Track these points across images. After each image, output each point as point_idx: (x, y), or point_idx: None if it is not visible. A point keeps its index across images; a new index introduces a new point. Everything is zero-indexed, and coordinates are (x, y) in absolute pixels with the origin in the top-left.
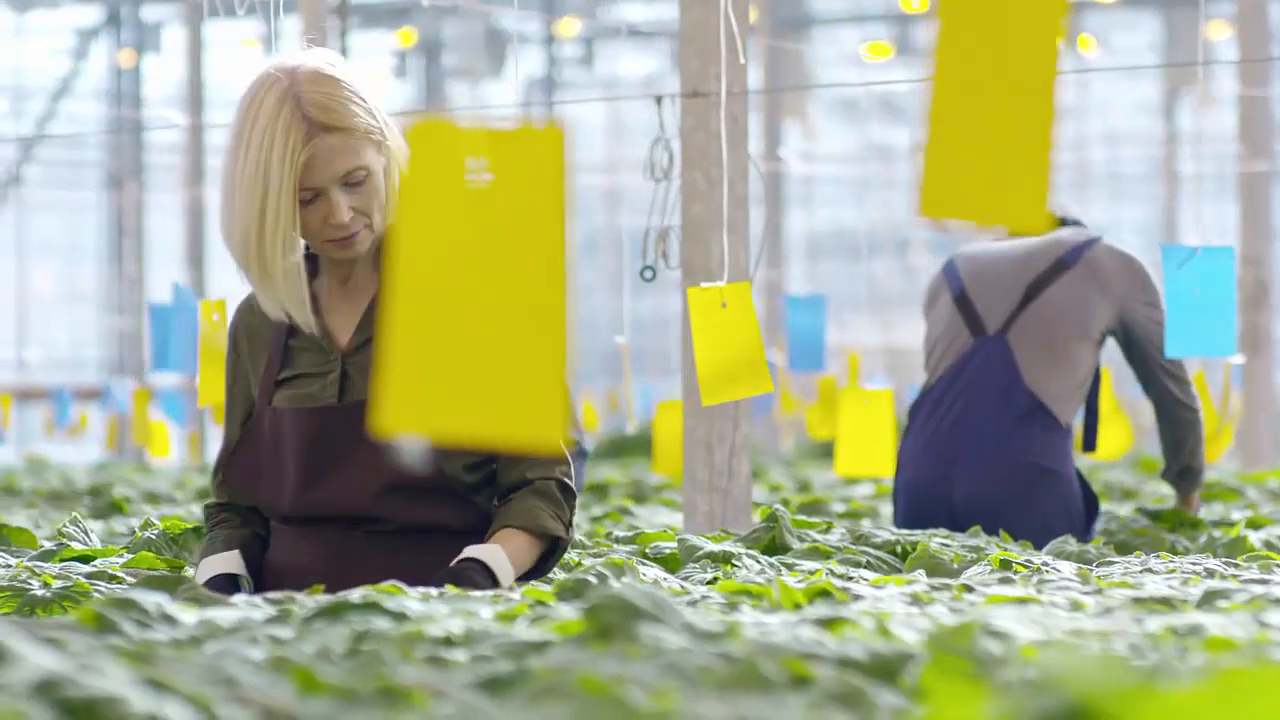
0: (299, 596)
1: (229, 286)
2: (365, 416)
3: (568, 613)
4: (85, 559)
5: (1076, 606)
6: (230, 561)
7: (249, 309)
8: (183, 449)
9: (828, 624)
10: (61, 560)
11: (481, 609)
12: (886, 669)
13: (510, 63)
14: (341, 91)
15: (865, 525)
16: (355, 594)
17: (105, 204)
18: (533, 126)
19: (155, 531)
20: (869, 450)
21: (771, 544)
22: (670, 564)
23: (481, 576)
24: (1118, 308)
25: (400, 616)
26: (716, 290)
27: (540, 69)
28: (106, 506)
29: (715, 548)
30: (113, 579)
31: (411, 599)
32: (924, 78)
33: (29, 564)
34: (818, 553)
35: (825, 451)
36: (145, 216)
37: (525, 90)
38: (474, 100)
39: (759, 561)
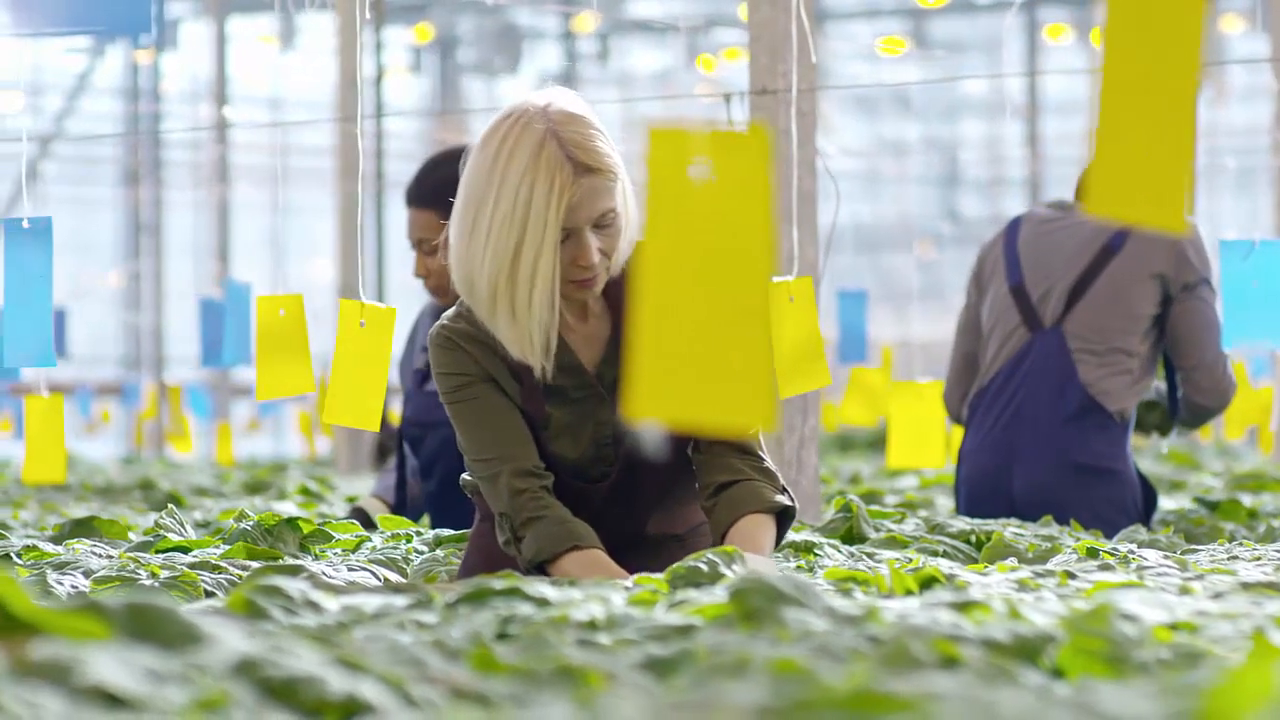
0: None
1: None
2: (640, 454)
3: (707, 598)
4: (183, 550)
5: (1185, 591)
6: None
7: (462, 344)
8: (208, 443)
9: (961, 608)
10: (158, 551)
11: (614, 594)
12: (1028, 650)
13: (526, 58)
14: (594, 131)
15: (938, 515)
16: (497, 580)
17: (123, 200)
18: (740, 129)
19: (249, 523)
20: (921, 442)
21: (849, 533)
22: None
23: None
24: (1161, 290)
25: (543, 602)
26: (785, 285)
27: (555, 64)
28: (163, 500)
29: (797, 537)
30: (216, 569)
31: (545, 585)
32: (1096, 71)
33: (131, 555)
34: (895, 542)
35: (845, 443)
36: (163, 213)
37: (540, 86)
38: (489, 97)
39: (840, 551)
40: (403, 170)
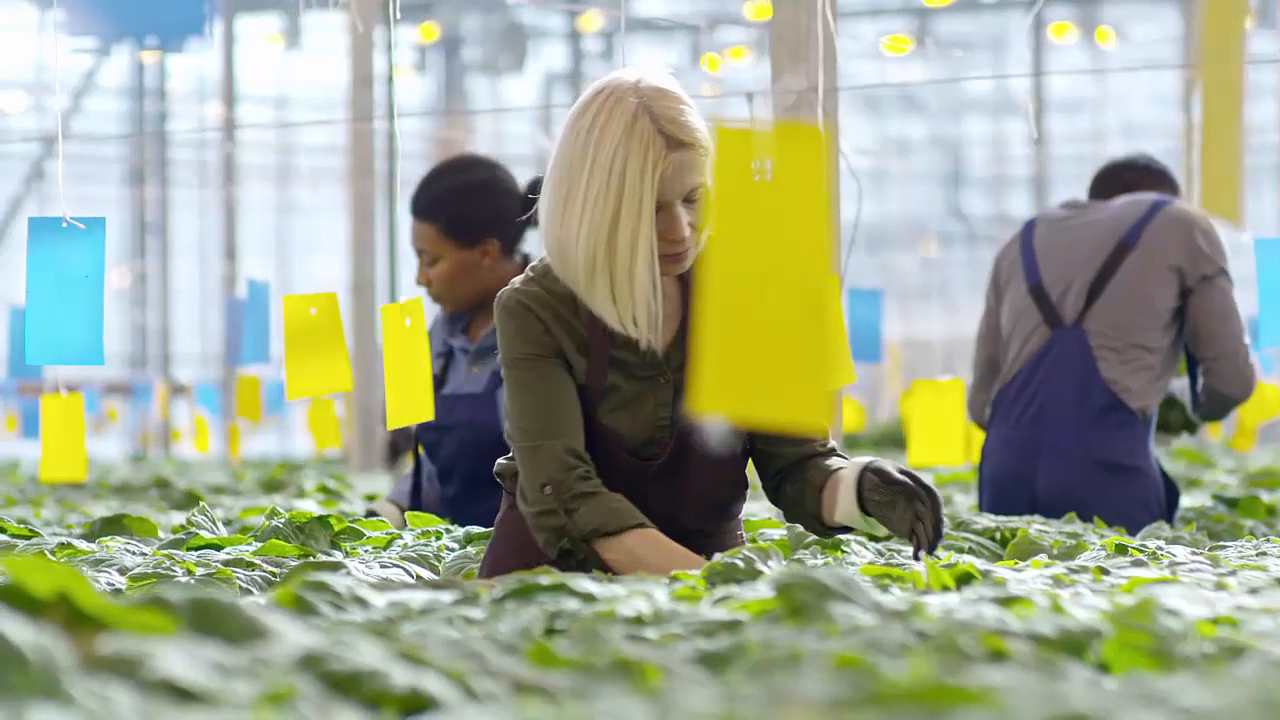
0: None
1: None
2: (696, 436)
3: (752, 593)
4: (215, 547)
5: (1221, 587)
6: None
7: (534, 310)
8: (215, 442)
9: (1004, 603)
10: (190, 549)
11: (656, 590)
12: (1075, 644)
13: (531, 57)
14: (686, 105)
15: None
16: (543, 576)
17: (128, 200)
18: (797, 127)
19: (281, 520)
20: (942, 439)
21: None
22: (780, 550)
23: None
24: (1178, 284)
25: (589, 597)
26: None
27: (561, 64)
28: (181, 498)
29: None
30: (250, 566)
31: (588, 580)
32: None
33: (165, 552)
34: None
35: (851, 442)
36: (169, 212)
37: (545, 84)
38: (494, 96)
39: (868, 548)
40: (408, 169)
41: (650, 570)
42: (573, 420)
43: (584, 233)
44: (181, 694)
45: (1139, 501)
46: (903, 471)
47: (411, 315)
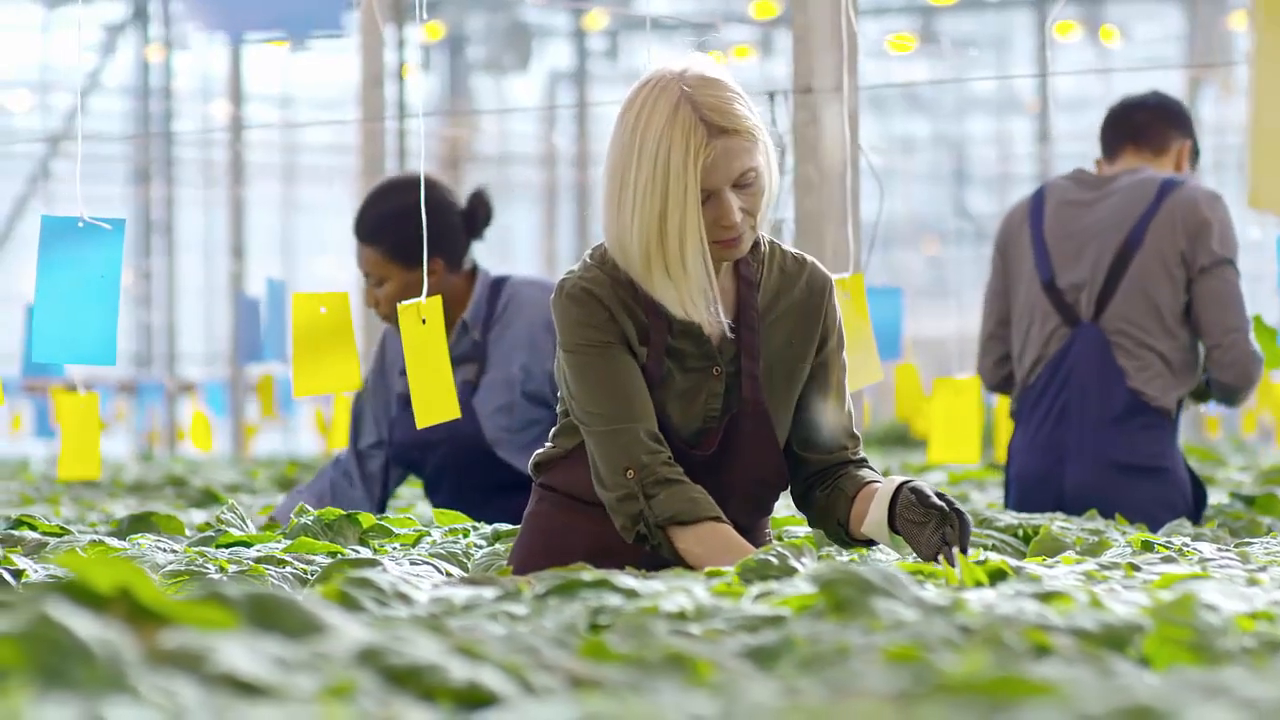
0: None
1: (263, 281)
2: (742, 430)
3: (792, 589)
4: (245, 544)
5: (1253, 582)
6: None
7: (599, 295)
8: (221, 440)
9: (1044, 598)
10: (219, 546)
11: (695, 586)
12: (1117, 639)
13: (535, 56)
14: (730, 93)
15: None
16: (585, 573)
17: (133, 199)
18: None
19: (310, 518)
20: (960, 438)
21: None
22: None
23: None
24: (1184, 278)
25: (631, 593)
26: (840, 283)
27: (565, 62)
28: (201, 496)
29: None
30: (280, 563)
31: (628, 577)
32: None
33: (196, 549)
34: None
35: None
36: (174, 211)
37: (550, 83)
38: (499, 95)
39: (889, 550)
40: (415, 167)
41: (718, 564)
42: (648, 405)
43: (636, 224)
44: (243, 688)
45: (1166, 502)
46: (940, 495)
47: (428, 315)
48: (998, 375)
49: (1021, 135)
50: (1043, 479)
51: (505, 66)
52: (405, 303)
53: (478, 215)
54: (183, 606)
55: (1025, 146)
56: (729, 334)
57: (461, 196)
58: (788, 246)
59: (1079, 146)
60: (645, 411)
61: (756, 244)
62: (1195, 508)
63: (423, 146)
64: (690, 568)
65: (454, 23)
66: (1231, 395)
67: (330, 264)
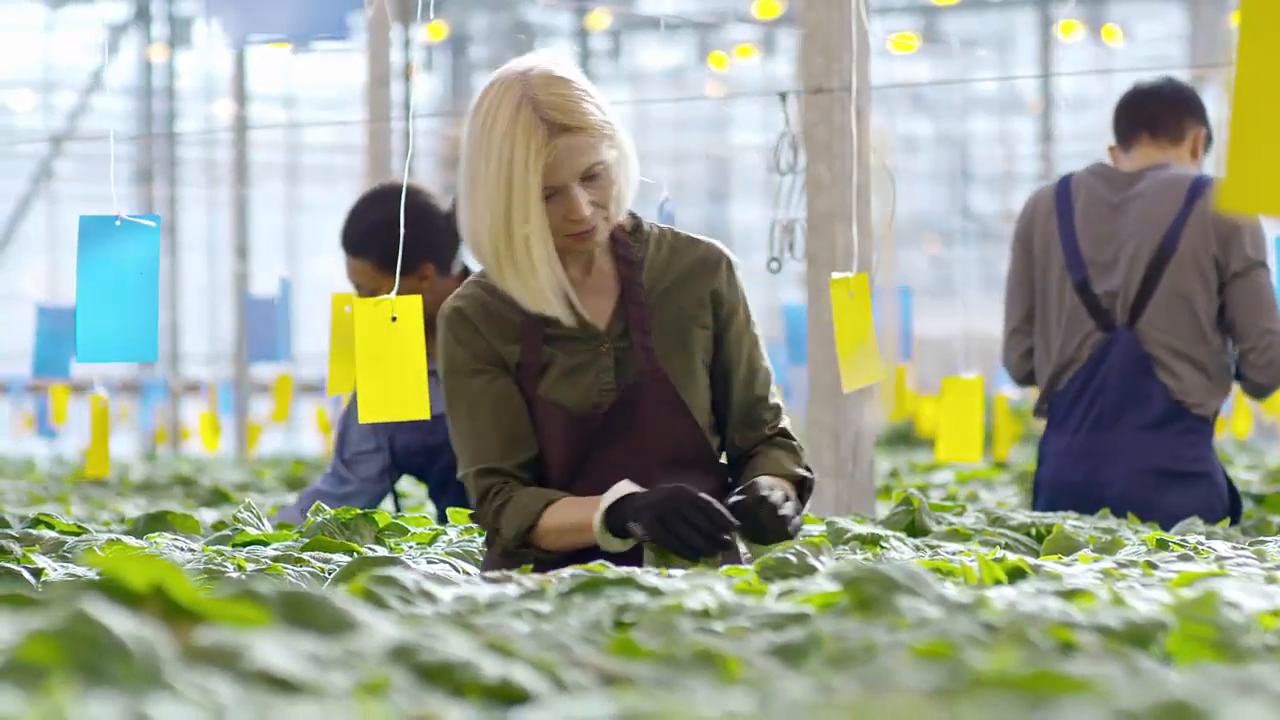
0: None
1: (271, 280)
2: (644, 399)
3: (815, 587)
4: (262, 543)
5: (1271, 580)
6: (573, 500)
7: (467, 314)
8: (232, 440)
9: (1066, 595)
10: (236, 545)
11: (716, 584)
12: (1140, 636)
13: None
14: (574, 91)
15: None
16: (610, 570)
17: (136, 198)
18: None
19: (325, 517)
20: (965, 437)
21: (911, 526)
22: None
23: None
24: (1217, 279)
25: (655, 591)
26: (845, 281)
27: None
28: (210, 495)
29: (863, 530)
30: (298, 561)
31: (651, 575)
32: (1228, 67)
33: (214, 548)
34: (958, 535)
35: None
36: (177, 211)
37: None
38: None
39: (906, 544)
40: (418, 167)
41: (576, 535)
42: (491, 431)
43: (484, 222)
44: (278, 685)
45: (1204, 507)
46: (743, 506)
47: (402, 313)
48: (1025, 369)
49: (1024, 135)
50: (1081, 485)
51: None
52: (378, 297)
53: None
54: (216, 604)
55: (1028, 146)
56: (615, 313)
57: (447, 200)
58: (683, 231)
59: (1082, 146)
60: (485, 444)
61: (640, 227)
62: (1232, 512)
63: (412, 148)
64: (586, 553)
65: (456, 22)
66: (1262, 393)
67: (333, 264)
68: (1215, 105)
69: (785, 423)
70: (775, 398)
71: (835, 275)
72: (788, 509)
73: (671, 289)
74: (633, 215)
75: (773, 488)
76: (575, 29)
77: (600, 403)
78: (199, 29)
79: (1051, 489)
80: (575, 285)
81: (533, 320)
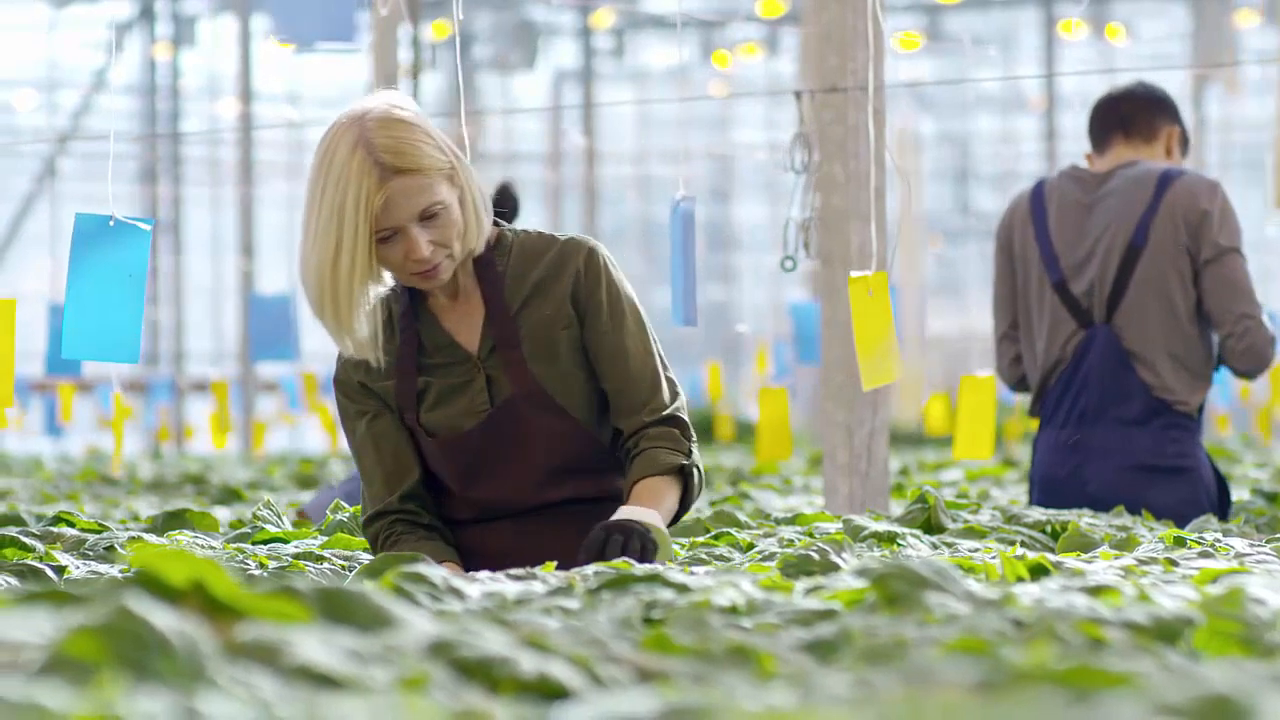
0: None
1: (276, 279)
2: (519, 414)
3: (842, 584)
4: (282, 540)
5: None
6: (443, 552)
7: (346, 363)
8: (234, 439)
9: (1092, 592)
10: (256, 543)
11: (742, 581)
12: (1167, 632)
13: (541, 54)
14: (411, 133)
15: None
16: (636, 567)
17: (140, 198)
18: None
19: (345, 515)
20: (980, 434)
21: (927, 523)
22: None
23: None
24: (1190, 268)
25: (682, 588)
26: (864, 280)
27: (571, 61)
28: (221, 493)
29: (880, 527)
30: (319, 559)
31: (677, 571)
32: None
33: (235, 546)
34: (973, 532)
35: None
36: (182, 210)
37: (556, 82)
38: (504, 94)
39: (922, 541)
40: None
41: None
42: (377, 469)
43: (313, 262)
44: (319, 680)
45: (1191, 501)
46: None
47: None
48: (1015, 374)
49: (1027, 133)
50: (1066, 481)
51: (511, 65)
52: None
53: (505, 208)
54: (256, 600)
55: (1031, 144)
56: (484, 334)
57: None
58: (546, 231)
59: (1085, 145)
60: (374, 491)
61: (501, 239)
62: (1220, 506)
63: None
64: None
65: (460, 21)
66: (1248, 377)
67: None
68: (1219, 104)
69: (669, 401)
70: (654, 377)
71: (854, 274)
72: (628, 553)
73: (533, 297)
74: (496, 225)
75: (624, 531)
76: (579, 28)
77: (478, 423)
78: (203, 27)
79: (1042, 486)
80: (444, 310)
81: (408, 350)
